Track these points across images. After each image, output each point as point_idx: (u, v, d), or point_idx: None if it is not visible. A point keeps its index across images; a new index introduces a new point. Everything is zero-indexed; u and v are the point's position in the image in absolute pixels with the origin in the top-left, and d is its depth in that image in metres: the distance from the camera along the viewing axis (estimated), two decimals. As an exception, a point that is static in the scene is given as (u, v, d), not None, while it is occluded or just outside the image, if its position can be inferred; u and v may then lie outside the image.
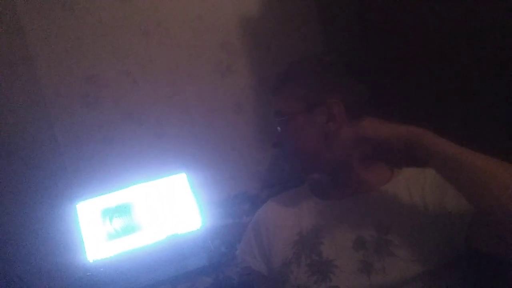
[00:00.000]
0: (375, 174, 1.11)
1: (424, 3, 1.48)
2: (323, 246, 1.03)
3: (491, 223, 0.81)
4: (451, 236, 0.91)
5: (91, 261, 1.74)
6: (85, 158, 2.03)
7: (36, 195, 1.93)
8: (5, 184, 1.93)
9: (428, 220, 0.95)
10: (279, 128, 1.13)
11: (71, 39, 2.03)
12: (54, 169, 1.99)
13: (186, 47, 2.13)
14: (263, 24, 2.18)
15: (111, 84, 2.08)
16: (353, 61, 1.14)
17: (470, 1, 1.33)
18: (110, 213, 1.79)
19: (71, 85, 2.04)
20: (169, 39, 2.12)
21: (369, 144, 0.97)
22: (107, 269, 1.72)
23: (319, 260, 1.02)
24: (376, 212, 1.02)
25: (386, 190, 1.07)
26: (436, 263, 0.91)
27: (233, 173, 2.13)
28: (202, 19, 2.13)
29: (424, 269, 0.91)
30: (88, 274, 1.71)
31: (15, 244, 1.88)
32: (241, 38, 2.17)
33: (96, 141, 2.05)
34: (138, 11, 2.09)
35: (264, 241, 1.16)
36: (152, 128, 2.10)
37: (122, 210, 1.80)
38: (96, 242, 1.76)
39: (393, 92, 0.98)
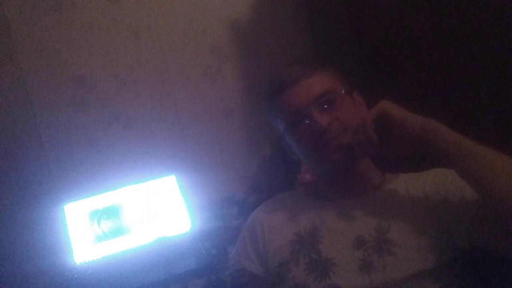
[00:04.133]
0: (375, 175, 1.12)
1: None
2: (322, 245, 1.04)
3: (500, 218, 0.82)
4: (452, 235, 0.93)
5: (78, 263, 1.71)
6: (71, 160, 2.00)
7: (21, 197, 1.89)
8: (-10, 185, 1.89)
9: (428, 219, 0.96)
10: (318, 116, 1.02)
11: (59, 39, 2.01)
12: (39, 170, 1.95)
13: (176, 50, 2.13)
14: (254, 29, 2.20)
15: (99, 85, 2.06)
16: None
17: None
18: (98, 215, 1.77)
19: (58, 86, 2.01)
20: (159, 42, 2.11)
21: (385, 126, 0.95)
22: (95, 272, 1.69)
23: (318, 259, 1.02)
24: (376, 212, 1.03)
25: (385, 190, 1.08)
26: (436, 261, 0.93)
27: (221, 177, 2.13)
28: (193, 23, 2.14)
29: (424, 267, 0.92)
30: (76, 276, 1.68)
31: (1, 246, 1.83)
32: (231, 43, 2.18)
33: (83, 142, 2.03)
34: (128, 13, 2.08)
35: (260, 242, 1.15)
36: (140, 131, 2.09)
37: (111, 212, 1.78)
38: (83, 244, 1.73)
39: (384, 95, 0.99)
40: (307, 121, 1.03)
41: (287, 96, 1.06)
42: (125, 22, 2.08)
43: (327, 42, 2.00)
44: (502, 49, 1.38)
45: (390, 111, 0.94)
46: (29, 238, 1.85)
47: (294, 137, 1.08)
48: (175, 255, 1.74)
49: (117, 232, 1.77)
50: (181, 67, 2.14)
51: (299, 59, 1.57)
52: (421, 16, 1.54)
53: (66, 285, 1.67)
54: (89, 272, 1.69)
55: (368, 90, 1.15)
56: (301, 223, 1.11)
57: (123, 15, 2.07)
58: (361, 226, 1.02)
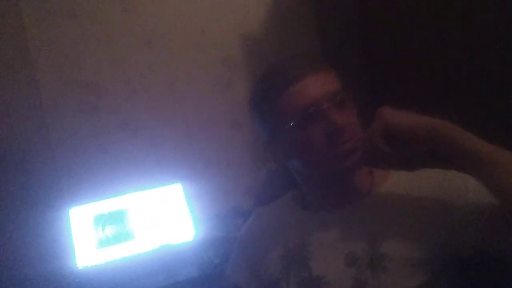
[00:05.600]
0: (365, 177, 1.04)
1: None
2: (312, 262, 0.98)
3: None
4: (454, 241, 0.87)
5: (80, 267, 1.70)
6: (80, 164, 2.01)
7: (27, 199, 1.90)
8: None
9: (425, 228, 0.90)
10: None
11: (72, 45, 2.04)
12: (47, 173, 1.97)
13: (187, 60, 2.15)
14: (265, 41, 2.22)
15: (110, 92, 2.08)
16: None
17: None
18: (103, 219, 1.77)
19: (70, 92, 2.04)
20: (171, 51, 2.14)
21: (390, 133, 0.88)
22: (97, 277, 1.68)
23: (308, 277, 0.96)
24: (367, 223, 0.96)
25: (376, 196, 1.00)
26: (434, 274, 0.88)
27: (227, 188, 2.13)
28: (205, 33, 2.16)
29: (420, 282, 0.87)
30: (77, 280, 1.67)
31: (4, 249, 1.83)
32: (242, 54, 2.20)
33: (92, 148, 2.04)
34: (142, 22, 2.11)
35: (252, 255, 1.11)
36: (148, 138, 2.10)
37: (116, 217, 1.78)
38: (86, 248, 1.73)
39: (393, 100, 0.96)
40: (318, 119, 0.92)
41: (299, 88, 0.93)
42: (139, 31, 2.11)
43: (338, 54, 2.01)
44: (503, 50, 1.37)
45: (392, 121, 0.87)
46: (32, 240, 1.85)
47: (301, 135, 0.94)
48: (178, 262, 1.73)
49: (121, 237, 1.76)
50: (192, 76, 2.16)
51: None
52: (427, 16, 1.53)
53: (67, 288, 1.66)
54: (91, 277, 1.69)
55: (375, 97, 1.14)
56: (288, 236, 1.04)
57: (137, 24, 2.10)
58: (352, 240, 0.95)
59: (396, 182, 1.00)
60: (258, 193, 2.13)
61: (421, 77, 1.53)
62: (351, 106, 0.96)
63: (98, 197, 1.81)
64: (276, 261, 1.03)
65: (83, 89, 2.06)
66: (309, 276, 0.96)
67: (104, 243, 1.75)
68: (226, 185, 2.12)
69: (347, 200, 1.01)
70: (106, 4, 2.07)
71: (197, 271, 1.68)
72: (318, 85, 0.93)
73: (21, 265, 1.82)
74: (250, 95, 1.06)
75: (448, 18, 1.48)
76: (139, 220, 1.80)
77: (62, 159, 2.00)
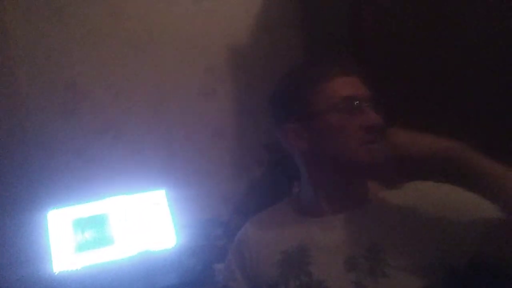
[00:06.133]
0: (363, 186, 1.07)
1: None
2: (312, 266, 0.99)
3: None
4: (450, 252, 0.90)
5: (57, 272, 1.65)
6: (57, 167, 1.96)
7: (3, 201, 1.83)
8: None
9: (423, 238, 0.93)
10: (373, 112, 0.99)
11: (55, 46, 2.00)
12: (23, 175, 1.90)
13: (172, 67, 2.15)
14: (250, 51, 2.24)
15: (91, 95, 2.05)
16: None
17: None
18: (82, 223, 1.73)
19: (50, 93, 1.99)
20: (156, 57, 2.13)
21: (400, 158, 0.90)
22: (74, 282, 1.65)
23: (309, 281, 0.97)
24: (367, 230, 0.98)
25: (377, 206, 1.02)
26: (431, 281, 0.90)
27: (207, 197, 2.12)
28: (192, 41, 2.17)
29: (420, 287, 0.90)
30: (54, 286, 1.62)
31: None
32: (227, 64, 2.22)
33: (70, 150, 1.99)
34: (128, 27, 2.09)
35: (247, 262, 1.11)
36: (130, 143, 2.07)
37: (96, 221, 1.74)
38: (64, 253, 1.68)
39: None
40: (356, 113, 0.98)
41: (345, 81, 1.01)
42: (124, 35, 2.09)
43: (324, 60, 2.04)
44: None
45: (403, 145, 0.89)
46: (7, 243, 1.78)
47: (338, 123, 0.98)
48: (158, 269, 1.71)
49: (100, 242, 1.73)
50: (176, 84, 2.15)
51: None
52: (416, 26, 1.59)
53: (43, 294, 1.60)
54: (68, 282, 1.64)
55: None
56: (288, 242, 1.05)
57: (122, 28, 2.09)
58: (352, 245, 0.97)
59: (394, 191, 1.02)
60: (238, 203, 2.15)
61: (412, 84, 1.57)
62: (383, 113, 1.00)
63: (78, 201, 1.77)
64: (274, 266, 1.04)
65: (64, 91, 2.01)
66: (309, 280, 0.97)
67: (83, 247, 1.71)
68: (206, 193, 2.11)
69: (345, 206, 1.04)
70: (92, 6, 2.04)
71: (178, 278, 1.67)
72: (360, 85, 1.01)
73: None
74: (279, 82, 1.11)
75: (442, 21, 1.54)
76: (120, 225, 1.76)
77: (39, 161, 1.95)
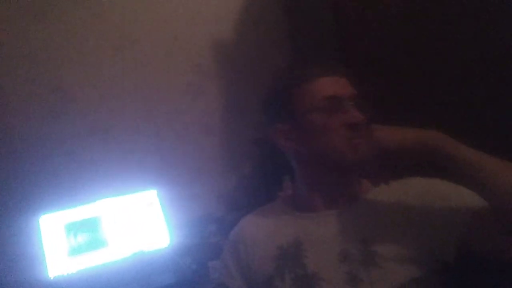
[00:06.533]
0: (356, 185, 1.10)
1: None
2: (306, 259, 1.02)
3: (508, 226, 0.83)
4: (437, 247, 0.93)
5: (52, 277, 1.65)
6: (47, 171, 1.95)
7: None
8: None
9: (413, 231, 0.96)
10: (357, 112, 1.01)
11: (40, 49, 1.99)
12: (12, 180, 1.89)
13: (159, 66, 2.15)
14: (236, 48, 2.25)
15: (78, 97, 2.04)
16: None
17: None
18: (75, 227, 1.73)
19: (37, 96, 1.98)
20: (142, 57, 2.12)
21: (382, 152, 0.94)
22: (69, 286, 1.65)
23: (304, 274, 1.00)
24: (359, 224, 1.01)
25: (368, 202, 1.06)
26: (422, 271, 0.93)
27: (199, 194, 2.12)
28: (177, 40, 2.17)
29: (411, 277, 0.92)
30: (49, 290, 1.62)
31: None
32: (214, 61, 2.22)
33: (60, 154, 1.99)
34: (113, 27, 2.09)
35: (242, 258, 1.13)
36: (119, 144, 2.07)
37: (88, 224, 1.74)
38: (58, 257, 1.68)
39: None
40: (340, 112, 1.01)
41: (328, 80, 1.04)
42: (109, 36, 2.09)
43: (309, 61, 2.05)
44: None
45: (385, 140, 0.94)
46: (0, 250, 1.78)
47: (321, 122, 1.02)
48: (153, 269, 1.72)
49: (94, 245, 1.73)
50: (162, 83, 2.15)
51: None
52: (401, 28, 1.60)
53: (39, 299, 1.60)
54: (63, 286, 1.64)
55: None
56: (283, 237, 1.08)
57: (107, 29, 2.08)
58: (345, 239, 1.00)
59: (384, 188, 1.05)
60: (230, 198, 2.15)
61: (395, 80, 1.59)
62: (367, 111, 1.02)
63: (69, 204, 1.76)
64: (270, 261, 1.06)
65: (50, 94, 2.00)
66: (304, 273, 1.00)
67: (76, 251, 1.70)
68: (197, 191, 2.12)
69: (338, 202, 1.07)
70: (75, 8, 2.03)
71: (173, 277, 1.68)
72: (344, 84, 1.04)
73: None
74: (272, 83, 1.14)
75: (425, 24, 1.56)
76: (112, 227, 1.76)
77: (28, 165, 1.94)
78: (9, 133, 1.92)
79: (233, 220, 1.88)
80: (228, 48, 2.23)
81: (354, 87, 1.05)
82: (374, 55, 1.59)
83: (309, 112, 1.03)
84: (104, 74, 2.07)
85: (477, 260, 0.93)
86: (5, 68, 1.93)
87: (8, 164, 1.90)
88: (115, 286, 1.67)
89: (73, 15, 2.03)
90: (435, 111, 1.48)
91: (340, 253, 0.98)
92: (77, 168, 1.99)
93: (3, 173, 1.88)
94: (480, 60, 1.49)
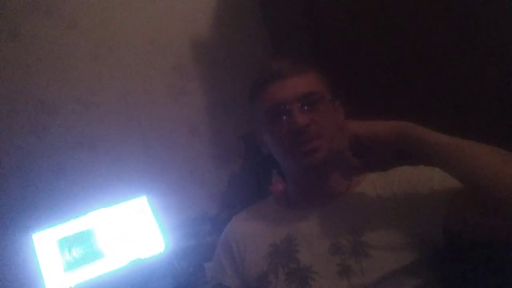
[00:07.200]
0: (341, 180, 1.12)
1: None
2: (299, 253, 1.04)
3: (489, 204, 0.84)
4: (425, 231, 0.95)
5: (50, 293, 1.66)
6: (35, 187, 1.94)
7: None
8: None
9: (400, 218, 0.98)
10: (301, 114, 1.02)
11: (17, 66, 1.97)
12: (2, 201, 1.89)
13: (138, 71, 2.13)
14: (215, 46, 2.24)
15: (60, 111, 2.03)
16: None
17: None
18: (69, 241, 1.72)
19: (18, 113, 1.96)
20: (120, 64, 2.11)
21: (359, 143, 0.97)
22: (68, 301, 1.65)
23: (297, 268, 1.02)
24: (348, 217, 1.04)
25: (354, 194, 1.09)
26: (412, 258, 0.95)
27: (191, 195, 2.13)
28: (154, 43, 2.15)
29: (401, 265, 0.94)
30: (49, 307, 1.63)
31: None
32: (193, 61, 2.21)
33: (47, 169, 1.98)
34: (88, 37, 2.07)
35: (236, 255, 1.15)
36: (106, 154, 2.06)
37: (82, 237, 1.74)
38: (55, 273, 1.68)
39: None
40: (285, 118, 1.03)
41: (272, 89, 1.05)
42: (85, 46, 2.07)
43: (287, 56, 2.04)
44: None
45: (358, 132, 0.96)
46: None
47: (271, 132, 1.08)
48: (151, 276, 1.72)
49: (90, 257, 1.72)
50: (144, 87, 2.14)
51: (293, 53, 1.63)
52: (378, 25, 1.60)
53: (39, 316, 1.60)
54: (62, 301, 1.64)
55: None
56: (276, 234, 1.11)
57: (82, 39, 2.06)
58: (335, 232, 1.03)
59: (371, 181, 1.09)
60: (222, 197, 2.16)
61: (370, 74, 1.59)
62: (324, 107, 1.05)
63: (61, 219, 1.76)
64: (263, 258, 1.09)
65: (32, 109, 1.99)
66: (297, 266, 1.03)
67: (73, 265, 1.70)
68: (190, 192, 2.12)
69: (327, 198, 1.10)
70: (48, 22, 2.01)
71: (171, 282, 1.68)
72: (289, 88, 1.04)
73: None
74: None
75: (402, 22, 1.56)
76: (106, 238, 1.76)
77: (15, 183, 1.93)
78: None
79: (226, 218, 1.89)
80: (207, 47, 2.22)
81: (312, 84, 1.06)
82: (348, 47, 1.59)
83: (263, 121, 1.09)
84: (84, 85, 2.06)
85: (465, 244, 0.94)
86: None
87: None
88: (115, 296, 1.67)
89: (47, 29, 2.01)
90: (409, 102, 1.49)
91: (331, 246, 1.01)
92: (66, 181, 1.98)
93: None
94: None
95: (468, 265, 1.03)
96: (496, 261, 0.99)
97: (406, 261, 0.95)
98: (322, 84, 1.08)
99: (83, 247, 1.73)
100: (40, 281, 1.65)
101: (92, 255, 1.73)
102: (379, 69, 1.59)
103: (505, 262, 0.99)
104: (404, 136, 0.92)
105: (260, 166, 2.00)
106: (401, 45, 1.57)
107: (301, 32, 1.79)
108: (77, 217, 1.77)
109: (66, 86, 2.04)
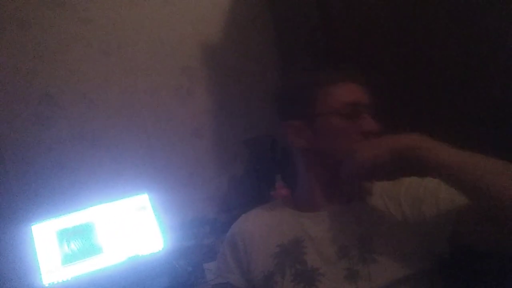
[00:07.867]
0: (356, 184, 1.13)
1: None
2: (306, 255, 1.05)
3: (497, 219, 0.83)
4: (432, 241, 0.96)
5: (46, 285, 1.64)
6: (36, 179, 1.94)
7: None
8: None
9: (407, 228, 0.99)
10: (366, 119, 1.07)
11: (25, 57, 1.97)
12: (3, 191, 1.87)
13: (146, 70, 2.14)
14: (223, 49, 2.26)
15: (66, 104, 2.03)
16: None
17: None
18: (68, 234, 1.72)
19: (23, 104, 1.96)
20: (129, 62, 2.12)
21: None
22: (64, 293, 1.64)
23: (304, 269, 1.03)
24: (357, 222, 1.05)
25: (363, 201, 1.10)
26: (418, 267, 0.96)
27: (191, 197, 2.13)
28: (163, 43, 2.17)
29: (408, 273, 0.95)
30: (44, 298, 1.61)
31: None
32: (201, 63, 2.22)
33: (49, 161, 1.97)
34: (99, 33, 2.08)
35: (242, 254, 1.16)
36: (108, 150, 2.06)
37: (81, 231, 1.73)
38: (52, 265, 1.67)
39: None
40: (359, 118, 1.06)
41: (350, 86, 1.09)
42: (95, 42, 2.07)
43: (296, 62, 2.06)
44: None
45: (366, 160, 0.95)
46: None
47: (339, 126, 1.07)
48: (148, 274, 1.71)
49: (88, 252, 1.72)
50: (151, 87, 2.15)
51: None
52: (386, 27, 1.63)
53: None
54: (58, 293, 1.63)
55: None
56: (283, 235, 1.11)
57: (93, 35, 2.07)
58: (344, 236, 1.04)
59: (380, 189, 1.10)
60: (222, 200, 2.16)
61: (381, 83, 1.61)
62: (379, 120, 1.08)
63: (62, 212, 1.75)
64: (270, 258, 1.10)
65: (37, 101, 1.99)
66: (304, 268, 1.04)
67: (70, 258, 1.69)
68: (190, 193, 2.12)
69: (338, 200, 1.11)
70: (60, 14, 2.02)
71: (169, 280, 1.67)
72: (363, 92, 1.09)
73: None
74: (287, 80, 1.26)
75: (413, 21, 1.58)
76: (106, 233, 1.76)
77: (16, 174, 1.92)
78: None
79: (226, 221, 1.91)
80: (215, 49, 2.23)
81: (369, 95, 1.10)
82: (361, 56, 1.61)
83: (328, 115, 1.08)
84: (91, 80, 2.06)
85: (473, 255, 0.95)
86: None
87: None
88: (110, 292, 1.66)
89: (59, 21, 2.01)
90: (424, 112, 1.51)
91: (339, 250, 1.02)
92: (67, 175, 1.98)
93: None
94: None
95: (475, 275, 1.04)
96: (502, 271, 1.00)
97: (413, 269, 0.95)
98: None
99: (82, 241, 1.73)
100: (37, 273, 1.65)
101: (91, 249, 1.72)
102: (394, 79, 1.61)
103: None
104: (409, 153, 0.89)
105: (262, 171, 2.01)
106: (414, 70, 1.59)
107: (312, 38, 1.80)
108: (77, 210, 1.77)
109: (73, 80, 2.04)
